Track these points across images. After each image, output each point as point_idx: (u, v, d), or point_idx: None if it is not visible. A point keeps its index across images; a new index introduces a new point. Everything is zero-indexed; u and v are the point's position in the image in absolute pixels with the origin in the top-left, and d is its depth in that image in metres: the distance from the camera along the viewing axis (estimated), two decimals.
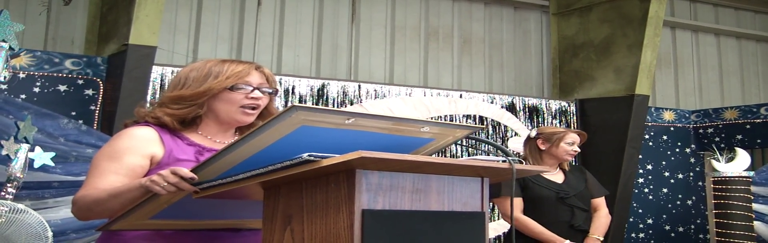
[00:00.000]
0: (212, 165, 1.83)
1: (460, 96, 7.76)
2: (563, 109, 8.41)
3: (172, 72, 6.29)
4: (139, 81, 5.82)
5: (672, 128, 9.13)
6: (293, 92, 6.83)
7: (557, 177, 4.49)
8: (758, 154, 8.88)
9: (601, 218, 4.55)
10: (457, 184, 1.92)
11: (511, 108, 8.07)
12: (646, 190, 8.71)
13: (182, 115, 2.29)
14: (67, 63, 6.13)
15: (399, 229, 1.75)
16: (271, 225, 1.85)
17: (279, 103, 6.60)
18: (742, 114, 8.87)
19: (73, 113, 5.99)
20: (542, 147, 4.49)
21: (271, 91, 2.35)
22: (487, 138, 7.46)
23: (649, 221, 8.69)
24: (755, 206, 7.30)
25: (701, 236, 9.06)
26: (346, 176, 1.71)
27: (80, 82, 6.13)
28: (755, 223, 7.25)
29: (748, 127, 8.79)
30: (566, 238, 4.26)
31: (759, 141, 8.68)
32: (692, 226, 9.01)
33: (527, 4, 9.24)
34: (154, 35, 5.81)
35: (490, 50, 9.01)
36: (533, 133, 4.58)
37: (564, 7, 9.00)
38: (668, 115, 9.16)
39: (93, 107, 6.16)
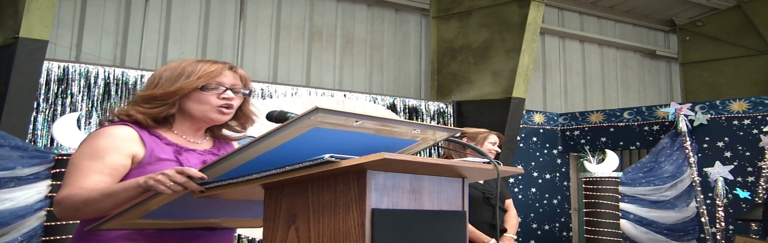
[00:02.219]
0: (220, 165, 1.85)
1: (344, 96, 7.85)
2: (441, 110, 8.63)
3: (59, 67, 6.10)
4: (29, 76, 5.61)
5: (541, 130, 9.52)
6: None
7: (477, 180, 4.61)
8: (624, 156, 9.37)
9: (513, 218, 4.77)
10: (443, 184, 2.02)
11: (392, 108, 8.22)
12: (517, 189, 9.04)
13: (154, 114, 2.27)
14: None
15: (401, 228, 1.83)
16: (273, 224, 1.88)
17: None
18: (607, 117, 9.34)
19: None
20: (450, 148, 4.58)
21: (245, 91, 2.36)
22: None
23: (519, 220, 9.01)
24: (622, 205, 7.71)
25: (565, 234, 9.49)
26: (357, 177, 1.77)
27: None
28: (621, 221, 7.65)
29: (611, 130, 9.27)
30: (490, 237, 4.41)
31: (622, 143, 9.17)
32: (557, 225, 9.43)
33: (408, 7, 9.44)
34: (46, 29, 5.62)
35: (372, 51, 9.15)
36: (457, 133, 4.67)
37: (444, 11, 9.23)
38: (538, 118, 9.53)
39: None
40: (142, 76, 6.42)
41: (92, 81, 6.24)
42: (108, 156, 2.15)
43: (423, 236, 1.91)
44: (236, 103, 2.34)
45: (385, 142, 2.02)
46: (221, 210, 2.18)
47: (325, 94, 7.70)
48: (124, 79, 6.36)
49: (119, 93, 6.31)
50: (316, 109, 1.70)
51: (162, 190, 1.89)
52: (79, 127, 5.41)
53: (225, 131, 2.49)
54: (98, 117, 6.16)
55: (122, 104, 2.37)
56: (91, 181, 2.10)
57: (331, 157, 1.70)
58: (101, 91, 6.26)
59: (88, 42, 7.14)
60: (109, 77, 6.30)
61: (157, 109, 2.27)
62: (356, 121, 1.82)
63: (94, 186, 2.08)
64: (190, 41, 7.72)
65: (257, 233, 6.49)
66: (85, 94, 6.20)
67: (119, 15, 7.40)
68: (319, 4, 8.78)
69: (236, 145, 2.55)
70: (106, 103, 6.24)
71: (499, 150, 4.69)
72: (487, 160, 2.07)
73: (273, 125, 1.84)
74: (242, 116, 2.42)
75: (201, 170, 1.88)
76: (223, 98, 2.31)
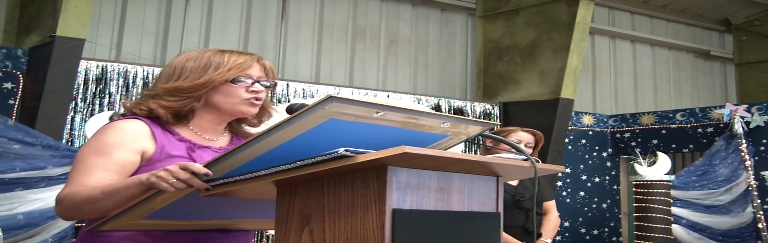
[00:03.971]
0: (227, 160, 1.69)
1: (387, 96, 7.69)
2: (487, 111, 8.43)
3: (97, 66, 6.03)
4: (66, 75, 5.54)
5: (590, 132, 9.27)
6: None
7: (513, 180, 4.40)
8: (676, 159, 9.08)
9: (552, 221, 4.50)
10: (475, 183, 1.84)
11: (436, 109, 8.04)
12: (564, 193, 8.81)
13: (178, 107, 2.12)
14: None
15: (426, 231, 1.66)
16: (285, 225, 1.72)
17: None
18: (659, 119, 9.06)
19: None
20: (489, 145, 4.35)
21: (269, 84, 2.22)
22: None
23: (566, 224, 8.78)
24: (674, 210, 7.44)
25: (614, 239, 9.22)
26: (377, 173, 1.60)
27: None
28: (673, 226, 7.39)
29: (663, 132, 8.99)
30: (522, 242, 4.18)
31: (674, 146, 8.88)
32: (606, 229, 9.16)
33: (454, 7, 9.25)
34: (83, 27, 5.54)
35: (416, 51, 8.99)
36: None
37: (491, 10, 9.04)
38: (587, 120, 9.29)
39: (12, 101, 5.82)
40: None
41: (131, 80, 6.17)
42: (115, 152, 2.01)
43: (451, 240, 1.73)
44: (263, 95, 2.20)
45: (412, 136, 1.84)
46: (235, 210, 2.02)
47: (368, 94, 7.55)
48: None
49: None
50: (330, 98, 1.53)
51: (164, 188, 1.73)
52: None
53: (246, 127, 2.35)
54: None
55: (133, 98, 2.20)
56: (96, 178, 1.96)
57: (347, 151, 1.53)
58: (139, 91, 6.19)
59: (128, 42, 7.07)
60: (147, 77, 6.23)
61: (181, 103, 2.13)
62: (377, 112, 1.65)
63: (98, 183, 1.94)
64: (231, 41, 7.62)
65: None
66: (123, 93, 6.13)
67: (160, 15, 7.33)
68: (363, 3, 8.64)
69: None
70: None
71: (530, 150, 4.38)
72: (525, 157, 1.89)
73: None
74: (261, 110, 2.27)
75: (206, 166, 1.72)
76: (253, 91, 2.16)
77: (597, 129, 9.34)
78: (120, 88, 6.12)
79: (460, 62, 9.31)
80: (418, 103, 7.87)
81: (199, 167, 1.71)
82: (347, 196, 1.64)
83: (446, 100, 8.15)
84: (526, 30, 8.58)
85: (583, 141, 9.19)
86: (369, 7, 8.68)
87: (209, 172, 1.71)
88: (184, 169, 1.73)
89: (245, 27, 7.80)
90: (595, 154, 9.27)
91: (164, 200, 1.80)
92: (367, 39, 8.63)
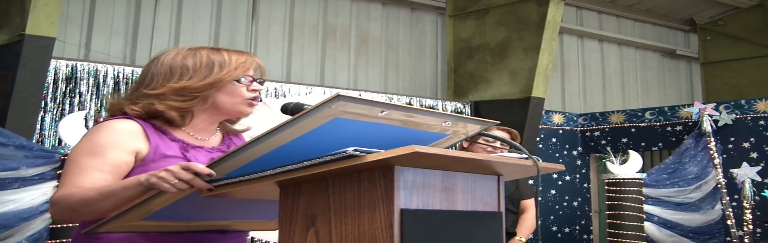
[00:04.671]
0: (230, 161, 1.65)
1: (359, 95, 7.65)
2: (458, 110, 8.43)
3: (67, 65, 5.94)
4: (36, 74, 5.44)
5: (561, 131, 9.31)
6: None
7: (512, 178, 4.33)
8: (646, 157, 9.14)
9: (528, 220, 4.48)
10: (478, 182, 1.82)
11: None
12: None
13: (187, 108, 2.08)
14: None
15: (433, 230, 1.64)
16: (289, 226, 1.68)
17: None
18: (628, 118, 9.13)
19: None
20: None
21: (261, 82, 2.21)
22: None
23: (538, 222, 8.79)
24: (646, 207, 7.49)
25: (585, 237, 9.28)
26: (383, 173, 1.57)
27: None
28: (645, 223, 7.44)
29: (633, 130, 9.06)
30: None
31: (643, 144, 8.95)
32: (577, 227, 9.21)
33: (424, 6, 9.25)
34: (52, 26, 5.45)
35: (387, 50, 8.97)
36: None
37: (460, 10, 9.04)
38: (557, 118, 9.33)
39: None
40: None
41: (101, 80, 6.08)
42: (109, 152, 1.96)
43: (456, 239, 1.71)
44: (260, 94, 2.18)
45: (412, 135, 1.82)
46: (232, 211, 1.98)
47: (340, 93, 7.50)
48: (134, 77, 6.20)
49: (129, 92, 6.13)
50: (338, 97, 1.50)
51: (166, 189, 1.69)
52: (86, 126, 5.23)
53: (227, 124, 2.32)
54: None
55: (117, 97, 2.12)
56: (90, 179, 1.91)
57: (356, 150, 1.50)
58: (110, 91, 6.10)
59: (97, 41, 6.98)
60: (118, 76, 6.14)
61: (190, 103, 2.09)
62: (382, 111, 1.62)
63: (93, 185, 1.88)
64: (202, 41, 7.54)
65: (273, 236, 6.30)
66: (94, 93, 6.04)
67: (129, 14, 7.23)
68: (333, 3, 8.60)
69: (247, 138, 2.37)
70: None
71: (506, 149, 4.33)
72: (525, 156, 1.87)
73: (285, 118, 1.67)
74: None
75: (209, 166, 1.68)
76: (252, 90, 2.15)
77: (567, 128, 9.38)
78: (90, 88, 6.03)
79: (431, 61, 9.31)
80: (390, 102, 7.84)
81: (202, 167, 1.68)
82: (353, 196, 1.62)
83: (418, 99, 8.14)
84: (496, 29, 8.59)
85: (554, 139, 9.23)
86: (339, 7, 8.65)
87: (212, 172, 1.68)
88: (186, 169, 1.69)
89: (215, 26, 7.73)
90: (565, 152, 9.31)
91: (164, 201, 1.76)
92: (338, 38, 8.59)
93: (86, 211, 1.85)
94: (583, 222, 9.27)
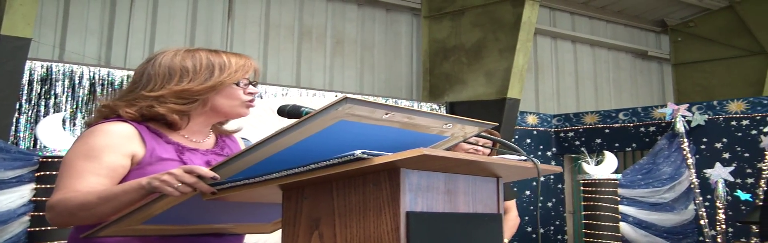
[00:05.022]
0: (234, 164, 1.64)
1: (335, 96, 7.64)
2: (434, 111, 8.43)
3: (42, 66, 5.87)
4: (12, 75, 5.37)
5: (535, 132, 9.35)
6: None
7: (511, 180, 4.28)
8: (619, 158, 9.21)
9: (509, 221, 4.47)
10: (478, 184, 1.82)
11: None
12: None
13: (188, 110, 2.06)
14: None
15: (437, 233, 1.63)
16: (293, 229, 1.67)
17: None
18: (602, 118, 9.18)
19: None
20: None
21: (256, 84, 2.20)
22: None
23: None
24: (621, 208, 7.54)
25: (560, 237, 9.32)
26: (389, 176, 1.57)
27: None
28: (621, 224, 7.49)
29: (607, 131, 9.11)
30: None
31: (617, 145, 9.01)
32: (551, 228, 9.25)
33: (399, 7, 9.26)
34: (28, 26, 5.39)
35: (362, 51, 8.97)
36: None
37: (436, 11, 9.06)
38: (532, 119, 9.36)
39: None
40: (128, 77, 6.20)
41: (77, 81, 6.02)
42: (105, 155, 1.93)
43: (459, 242, 1.71)
44: (256, 97, 2.17)
45: (413, 137, 1.82)
46: (229, 214, 1.97)
47: (315, 95, 7.50)
48: (110, 79, 6.15)
49: (105, 93, 6.08)
50: (345, 99, 1.50)
51: (169, 192, 1.67)
52: (63, 128, 5.18)
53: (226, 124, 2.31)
54: (83, 118, 5.93)
55: (107, 99, 2.09)
56: (87, 183, 1.88)
57: (363, 153, 1.49)
58: (86, 92, 6.04)
59: (71, 41, 6.91)
60: (94, 77, 6.09)
61: (190, 106, 2.06)
62: (386, 114, 1.62)
63: (90, 188, 1.86)
64: (177, 41, 7.50)
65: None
66: (70, 94, 5.98)
67: (104, 14, 7.17)
68: (309, 3, 8.58)
69: (239, 140, 2.35)
70: (92, 104, 6.01)
71: (481, 149, 4.27)
72: (524, 158, 1.88)
73: (283, 120, 1.66)
74: None
75: (212, 169, 1.67)
76: (249, 93, 2.14)
77: (541, 128, 9.42)
78: (66, 89, 5.97)
79: (406, 62, 9.32)
80: None
81: (206, 171, 1.66)
82: (358, 199, 1.61)
83: (394, 100, 8.15)
84: (471, 30, 8.61)
85: (528, 140, 9.27)
86: (315, 7, 8.64)
87: (217, 175, 1.66)
88: (189, 172, 1.67)
89: (191, 27, 7.69)
90: (539, 153, 9.35)
91: (165, 205, 1.74)
92: (314, 39, 8.58)
93: (85, 215, 1.82)
94: (557, 222, 9.31)
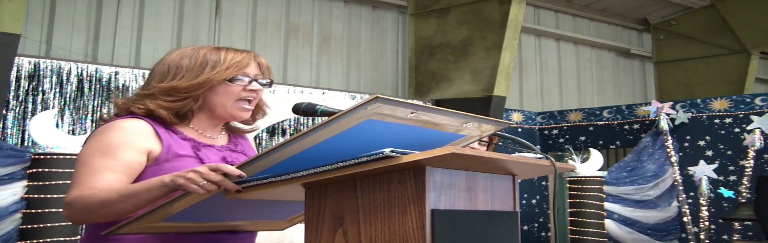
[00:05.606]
0: (260, 162, 1.64)
1: (323, 93, 7.64)
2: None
3: (29, 63, 5.84)
4: (1, 71, 5.34)
5: (520, 129, 9.39)
6: None
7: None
8: (603, 155, 9.27)
9: None
10: (496, 182, 1.84)
11: None
12: None
13: (177, 108, 2.05)
14: None
15: (459, 230, 1.65)
16: (316, 227, 1.68)
17: None
18: (586, 116, 9.24)
19: None
20: None
21: (266, 82, 2.18)
22: None
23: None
24: (606, 205, 7.60)
25: (543, 234, 9.37)
26: (414, 174, 1.58)
27: None
28: (606, 221, 7.55)
29: (591, 128, 9.17)
30: None
31: (601, 142, 9.07)
32: (536, 225, 9.30)
33: (385, 4, 9.27)
34: (18, 22, 5.36)
35: (349, 48, 8.97)
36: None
37: (422, 8, 9.07)
38: (516, 117, 9.40)
39: None
40: (116, 73, 6.18)
41: (64, 77, 5.98)
42: (121, 152, 1.93)
43: (480, 239, 1.73)
44: (260, 94, 2.15)
45: (432, 135, 1.84)
46: (245, 211, 1.98)
47: (303, 92, 7.49)
48: (98, 75, 6.12)
49: (92, 90, 6.06)
50: (376, 98, 1.51)
51: (194, 190, 1.67)
52: (57, 125, 5.15)
53: (235, 123, 2.30)
54: (71, 115, 5.91)
55: (122, 97, 2.10)
56: (105, 180, 1.88)
57: (392, 151, 1.51)
58: (74, 88, 6.01)
59: (58, 38, 6.87)
60: (82, 74, 6.05)
61: (180, 103, 2.06)
62: (412, 113, 1.64)
63: (108, 185, 1.86)
64: (164, 38, 7.48)
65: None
66: (58, 91, 5.95)
67: (91, 10, 7.13)
68: (296, 1, 8.58)
69: (251, 140, 2.36)
70: (79, 101, 5.99)
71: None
72: (541, 156, 1.90)
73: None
74: (256, 108, 2.21)
75: (239, 167, 1.67)
76: (249, 90, 2.11)
77: (526, 126, 9.47)
78: (54, 86, 5.93)
79: (392, 60, 9.33)
80: (354, 100, 7.85)
81: (232, 169, 1.66)
82: (383, 197, 1.62)
83: None
84: (458, 28, 8.63)
85: None
86: (302, 5, 8.63)
87: (243, 173, 1.66)
88: (215, 170, 1.68)
89: (178, 24, 7.66)
90: (510, 150, 9.37)
91: (187, 202, 1.74)
92: (300, 36, 8.57)
93: (104, 213, 1.82)
94: (541, 219, 9.36)
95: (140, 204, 1.78)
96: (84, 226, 2.39)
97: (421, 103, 8.45)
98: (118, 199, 1.79)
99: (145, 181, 1.82)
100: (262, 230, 2.18)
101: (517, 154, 1.92)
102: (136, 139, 1.97)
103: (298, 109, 2.06)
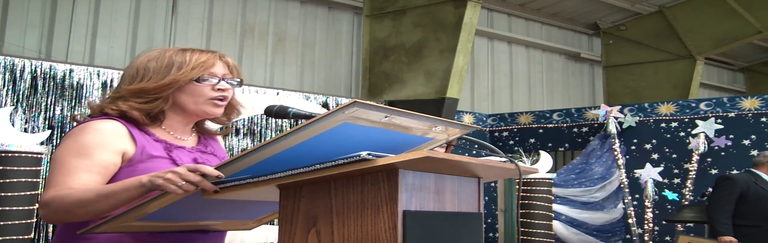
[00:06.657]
0: (238, 163, 1.69)
1: (277, 93, 7.66)
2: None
3: None
4: None
5: (470, 131, 9.48)
6: (111, 85, 6.45)
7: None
8: (552, 157, 9.42)
9: None
10: (463, 184, 1.91)
11: (325, 107, 8.07)
12: None
13: (148, 109, 2.09)
14: None
15: (429, 231, 1.72)
16: (290, 227, 1.73)
17: (98, 96, 6.21)
18: (536, 119, 9.39)
19: None
20: None
21: (236, 82, 2.22)
22: None
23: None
24: (554, 206, 7.73)
25: (491, 235, 9.49)
26: (388, 176, 1.64)
27: None
28: (554, 222, 7.68)
29: (540, 131, 9.32)
30: None
31: (551, 144, 9.23)
32: (483, 226, 9.39)
33: (341, 5, 9.32)
34: None
35: (303, 49, 9.01)
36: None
37: (378, 10, 9.13)
38: (467, 119, 9.51)
39: None
40: (71, 70, 6.14)
41: (18, 74, 5.93)
42: (96, 153, 1.97)
43: (447, 239, 1.81)
44: (230, 93, 2.19)
45: (401, 138, 1.90)
46: (217, 211, 2.02)
47: (257, 91, 7.51)
48: (52, 72, 6.07)
49: (46, 87, 6.01)
50: (354, 103, 1.57)
51: (172, 190, 1.72)
52: (12, 123, 5.10)
53: (208, 124, 2.34)
54: (24, 113, 5.86)
55: (97, 99, 2.15)
56: (80, 180, 1.91)
57: (369, 154, 1.57)
58: (27, 86, 5.96)
59: (11, 34, 6.80)
60: (35, 71, 6.00)
61: (150, 104, 2.09)
62: (386, 117, 1.70)
63: (84, 186, 1.89)
64: (120, 36, 7.45)
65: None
66: (11, 88, 5.89)
67: (45, 6, 7.07)
68: (252, 1, 8.59)
69: (221, 140, 2.40)
70: (33, 98, 5.94)
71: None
72: (505, 159, 1.98)
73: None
74: (229, 107, 2.25)
75: (217, 168, 1.72)
76: (218, 90, 2.15)
77: (476, 128, 9.56)
78: (7, 83, 5.88)
79: (346, 61, 9.39)
80: (308, 100, 7.89)
81: (210, 170, 1.71)
82: (356, 198, 1.68)
83: (334, 98, 8.20)
84: (413, 30, 8.71)
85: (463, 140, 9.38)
86: (258, 4, 8.64)
87: (221, 174, 1.71)
88: (193, 171, 1.72)
89: (134, 22, 7.63)
90: (474, 152, 9.50)
91: (163, 203, 1.78)
92: (256, 36, 8.59)
93: (81, 212, 1.85)
94: (489, 220, 9.47)
95: (117, 204, 1.82)
96: (56, 225, 2.41)
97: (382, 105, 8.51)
98: (95, 199, 1.82)
99: (122, 181, 1.85)
100: (231, 230, 2.23)
101: (484, 158, 2.00)
102: (111, 140, 2.00)
103: (270, 112, 2.11)
